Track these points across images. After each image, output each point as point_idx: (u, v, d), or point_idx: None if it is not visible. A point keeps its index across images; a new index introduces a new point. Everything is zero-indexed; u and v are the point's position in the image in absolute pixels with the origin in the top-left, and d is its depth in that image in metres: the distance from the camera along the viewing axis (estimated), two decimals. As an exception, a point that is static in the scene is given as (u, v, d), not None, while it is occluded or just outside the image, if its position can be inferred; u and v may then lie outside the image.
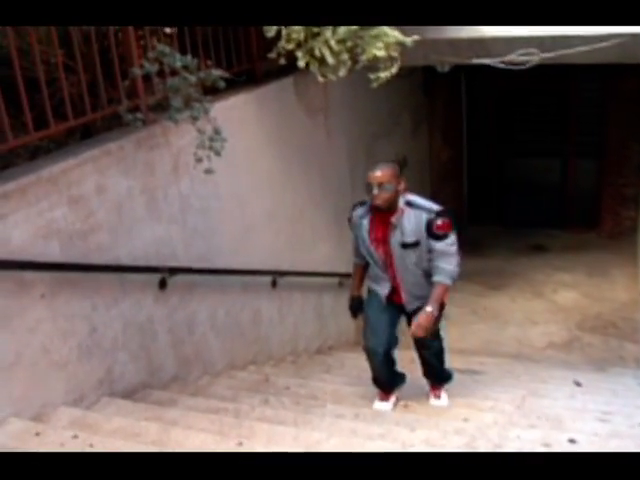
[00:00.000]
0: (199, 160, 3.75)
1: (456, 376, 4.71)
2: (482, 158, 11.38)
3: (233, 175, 4.73)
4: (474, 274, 9.43)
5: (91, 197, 3.65)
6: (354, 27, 4.89)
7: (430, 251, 3.88)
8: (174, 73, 3.82)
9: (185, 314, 4.52)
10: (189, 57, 3.76)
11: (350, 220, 4.16)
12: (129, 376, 4.05)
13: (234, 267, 4.91)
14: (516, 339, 8.30)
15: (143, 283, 4.09)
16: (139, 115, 3.84)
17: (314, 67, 5.02)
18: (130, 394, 4.01)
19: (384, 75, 5.17)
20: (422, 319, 3.84)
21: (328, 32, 4.90)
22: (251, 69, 5.28)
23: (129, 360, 4.04)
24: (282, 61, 4.98)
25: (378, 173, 3.81)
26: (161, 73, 3.90)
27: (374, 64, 5.14)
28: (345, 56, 5.00)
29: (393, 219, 3.88)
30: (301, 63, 4.94)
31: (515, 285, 9.54)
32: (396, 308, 4.19)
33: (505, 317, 8.77)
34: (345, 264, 6.86)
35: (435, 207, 3.88)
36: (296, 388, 4.78)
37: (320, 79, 5.10)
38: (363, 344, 4.28)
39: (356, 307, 4.41)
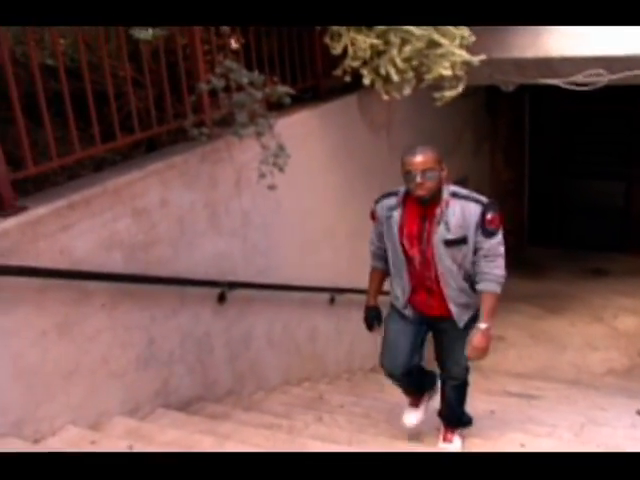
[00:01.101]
0: (262, 176, 3.72)
1: (512, 400, 4.56)
2: (544, 179, 11.15)
3: (294, 191, 4.69)
4: (532, 296, 9.23)
5: (154, 210, 3.65)
6: (420, 46, 4.85)
7: (476, 251, 3.32)
8: (240, 88, 3.80)
9: (242, 329, 4.49)
10: (256, 73, 3.73)
11: (374, 215, 3.56)
12: (184, 388, 4.02)
13: (293, 283, 4.87)
14: (574, 364, 8.06)
15: (202, 296, 4.07)
16: (204, 130, 3.83)
17: (379, 85, 5.00)
18: (185, 406, 3.99)
19: (449, 94, 5.12)
20: (478, 340, 3.31)
21: (394, 50, 4.85)
22: (315, 86, 5.24)
23: (185, 373, 4.02)
24: (347, 78, 4.96)
25: (419, 158, 3.21)
26: (227, 88, 3.88)
27: (439, 83, 5.09)
28: (410, 74, 4.96)
29: (438, 211, 3.28)
30: (366, 81, 4.92)
31: (574, 309, 9.27)
32: (424, 324, 3.60)
33: (563, 341, 8.52)
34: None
35: (484, 198, 3.32)
36: (350, 406, 4.70)
37: (384, 97, 5.06)
38: (379, 361, 3.71)
39: (372, 319, 3.74)
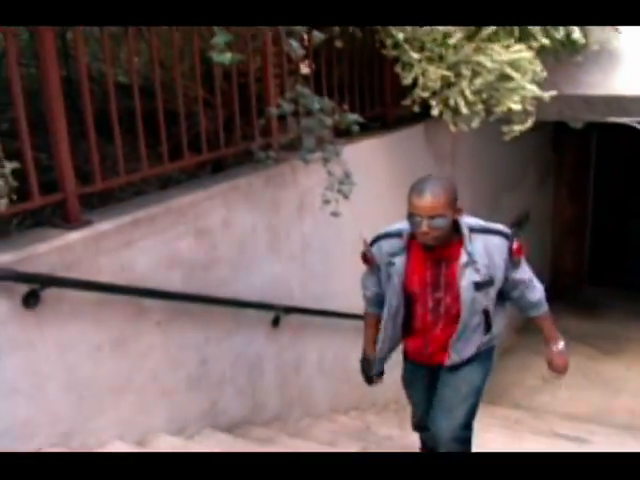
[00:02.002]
0: (327, 202, 3.67)
1: (560, 442, 4.41)
2: (607, 217, 10.87)
3: (356, 219, 4.61)
4: (588, 336, 8.96)
5: (216, 230, 3.63)
6: (491, 79, 4.78)
7: (514, 285, 3.05)
8: (309, 114, 3.76)
9: (294, 354, 4.42)
10: (326, 100, 3.69)
11: (368, 259, 3.13)
12: (232, 410, 3.97)
13: (347, 311, 4.79)
14: (629, 409, 7.76)
15: (257, 319, 4.02)
16: (271, 153, 3.80)
17: (447, 116, 4.94)
18: (231, 428, 3.93)
19: (518, 129, 5.03)
20: (561, 359, 3.18)
21: (464, 82, 4.79)
22: (383, 114, 5.19)
23: (234, 395, 3.97)
24: (416, 108, 4.90)
25: (427, 201, 2.73)
26: (295, 113, 3.85)
27: (508, 117, 5.01)
28: (479, 107, 4.90)
29: (462, 251, 2.89)
30: (435, 112, 4.86)
31: (631, 352, 8.96)
32: (423, 371, 3.32)
33: (618, 385, 8.24)
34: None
35: (503, 228, 3.00)
36: (398, 439, 4.59)
37: (452, 128, 5.00)
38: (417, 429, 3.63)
39: (370, 370, 3.37)
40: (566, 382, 7.89)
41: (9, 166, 2.66)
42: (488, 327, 3.12)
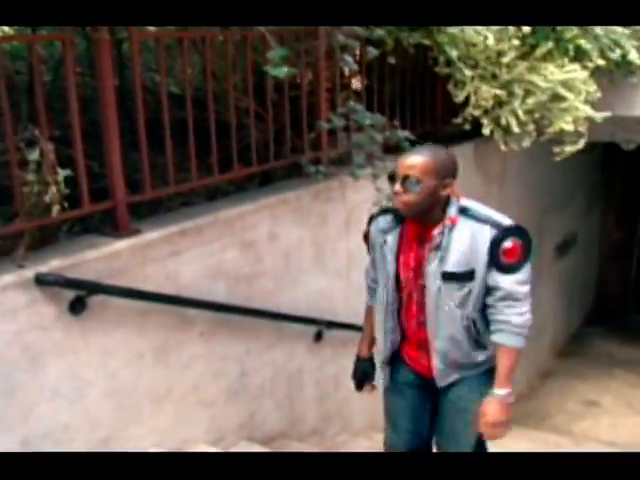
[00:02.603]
0: (374, 219, 3.63)
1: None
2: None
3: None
4: (632, 363, 8.75)
5: (262, 243, 3.60)
6: (544, 98, 4.70)
7: (489, 291, 2.52)
8: (359, 129, 3.72)
9: (334, 369, 4.36)
10: (378, 116, 3.65)
11: (367, 237, 2.78)
12: (270, 423, 3.93)
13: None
14: (672, 439, 7.57)
15: (299, 333, 3.98)
16: (321, 168, 3.77)
17: (498, 135, 4.87)
18: (268, 441, 3.89)
19: (569, 149, 4.94)
20: (493, 411, 2.51)
21: (517, 102, 4.72)
22: (434, 132, 5.12)
23: (273, 408, 3.92)
24: (467, 127, 4.84)
25: (408, 159, 2.45)
26: (346, 128, 3.82)
27: (559, 137, 4.92)
28: (531, 127, 4.83)
29: (435, 233, 2.49)
30: (486, 131, 4.79)
31: (677, 380, 8.76)
32: (427, 386, 2.76)
33: (663, 414, 8.04)
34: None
35: (506, 220, 2.50)
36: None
37: (502, 148, 4.92)
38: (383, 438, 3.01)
39: (362, 374, 2.97)
40: (609, 409, 7.75)
41: (62, 173, 2.66)
42: (479, 341, 2.61)
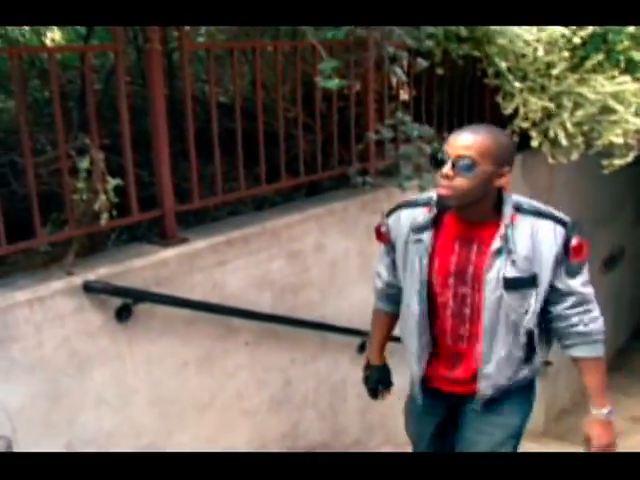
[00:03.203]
0: (420, 230, 3.57)
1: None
2: None
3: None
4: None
5: (309, 253, 3.55)
6: (593, 111, 4.59)
7: (559, 298, 2.22)
8: (407, 140, 3.66)
9: (378, 380, 4.30)
10: (426, 127, 3.58)
11: (382, 234, 2.41)
12: (312, 434, 3.87)
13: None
14: None
15: (343, 344, 3.91)
16: (368, 179, 3.71)
17: (546, 148, 4.77)
18: (310, 451, 3.84)
19: (618, 162, 4.82)
20: (601, 435, 2.27)
21: (565, 114, 4.61)
22: (481, 143, 5.04)
23: (315, 418, 3.86)
24: (515, 139, 4.74)
25: (462, 137, 2.08)
26: (394, 139, 3.76)
27: (608, 150, 4.81)
28: (580, 139, 4.72)
29: (498, 231, 2.14)
30: (534, 143, 4.70)
31: None
32: (443, 406, 2.50)
33: None
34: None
35: (564, 215, 2.20)
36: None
37: (550, 160, 4.82)
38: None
39: (375, 382, 2.71)
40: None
41: (112, 182, 2.65)
42: (530, 355, 2.30)
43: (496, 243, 2.13)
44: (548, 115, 4.70)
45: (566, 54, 4.52)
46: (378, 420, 4.42)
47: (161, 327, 2.93)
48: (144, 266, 2.81)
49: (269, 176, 3.41)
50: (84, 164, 2.62)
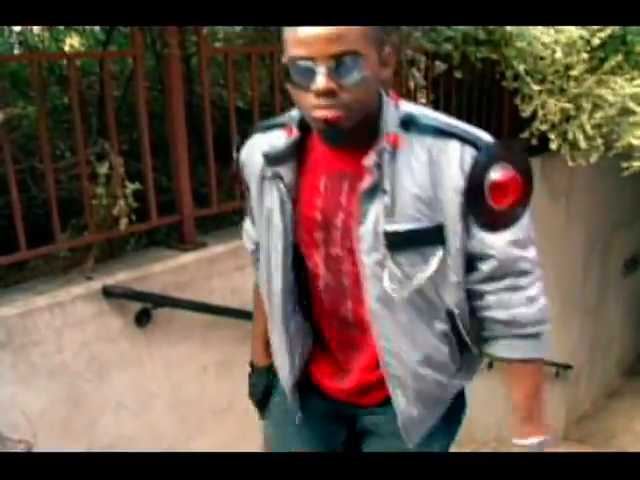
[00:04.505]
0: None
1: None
2: None
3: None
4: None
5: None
6: (612, 113, 4.55)
7: (472, 264, 1.48)
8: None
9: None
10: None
11: (238, 172, 1.65)
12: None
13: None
14: None
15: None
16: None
17: (565, 150, 4.72)
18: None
19: (638, 164, 4.75)
20: None
21: (584, 116, 4.57)
22: (500, 146, 5.01)
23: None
24: (534, 141, 4.71)
25: (327, 27, 1.30)
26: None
27: (628, 152, 4.75)
28: (599, 141, 4.66)
29: (368, 162, 1.40)
30: (553, 145, 4.65)
31: None
32: (336, 420, 1.74)
33: None
34: (566, 355, 6.36)
35: (482, 135, 1.45)
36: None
37: (570, 163, 4.77)
38: None
39: (262, 393, 1.93)
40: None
41: (131, 187, 2.66)
42: (460, 351, 1.56)
43: (367, 179, 1.41)
44: (567, 117, 4.65)
45: (585, 56, 4.47)
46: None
47: (180, 332, 2.93)
48: (163, 271, 2.81)
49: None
50: (103, 169, 2.63)
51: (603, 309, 7.32)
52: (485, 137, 1.45)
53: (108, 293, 2.61)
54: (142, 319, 2.74)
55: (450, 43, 3.75)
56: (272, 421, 1.90)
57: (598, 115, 4.58)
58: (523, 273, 1.50)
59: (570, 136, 4.64)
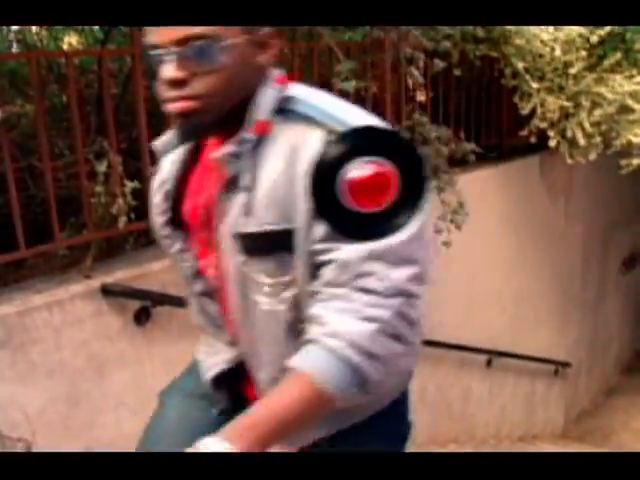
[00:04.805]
0: (439, 231, 3.53)
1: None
2: None
3: (466, 249, 4.44)
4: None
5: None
6: (611, 110, 4.55)
7: (317, 269, 1.20)
8: (424, 141, 3.63)
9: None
10: (444, 128, 3.56)
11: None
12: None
13: (453, 342, 4.60)
14: None
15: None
16: (385, 180, 3.68)
17: (564, 148, 4.71)
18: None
19: (637, 162, 4.75)
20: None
21: (583, 114, 4.56)
22: (499, 144, 5.00)
23: (335, 421, 3.85)
24: (533, 139, 4.70)
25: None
26: (410, 140, 3.73)
27: (627, 150, 4.75)
28: (598, 139, 4.65)
29: (225, 151, 1.23)
30: (552, 143, 4.64)
31: None
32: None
33: None
34: (565, 352, 6.36)
35: (353, 121, 1.19)
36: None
37: (569, 160, 4.77)
38: None
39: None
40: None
41: (130, 185, 2.65)
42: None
43: (223, 174, 1.25)
44: (566, 115, 4.64)
45: (584, 53, 4.47)
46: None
47: (180, 330, 2.91)
48: (162, 269, 2.80)
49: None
50: (102, 168, 2.63)
51: (602, 307, 7.32)
52: (355, 120, 1.20)
53: (107, 291, 2.61)
54: (141, 317, 2.73)
55: (449, 41, 3.74)
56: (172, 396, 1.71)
57: (597, 113, 4.57)
58: (365, 290, 1.16)
59: (569, 134, 4.63)
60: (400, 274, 1.18)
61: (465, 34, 4.10)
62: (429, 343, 4.38)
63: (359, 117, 1.23)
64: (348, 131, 1.16)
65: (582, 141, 4.60)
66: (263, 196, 1.21)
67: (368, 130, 1.19)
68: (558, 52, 4.33)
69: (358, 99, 3.78)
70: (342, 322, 1.15)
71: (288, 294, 1.26)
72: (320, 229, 1.17)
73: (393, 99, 3.91)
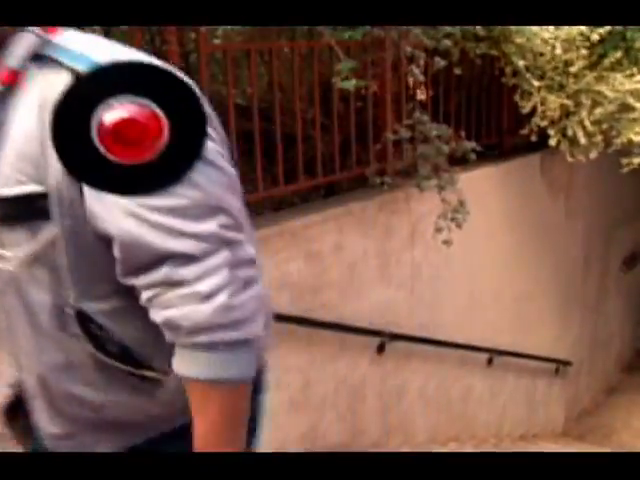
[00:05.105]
0: (439, 230, 3.53)
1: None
2: None
3: (467, 248, 4.45)
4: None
5: (327, 254, 3.53)
6: (612, 109, 4.55)
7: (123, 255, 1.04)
8: (425, 140, 3.64)
9: (397, 381, 4.27)
10: (444, 127, 3.56)
11: None
12: (331, 435, 3.85)
13: (454, 340, 4.61)
14: None
15: (362, 344, 3.89)
16: (387, 179, 3.69)
17: (564, 146, 4.72)
18: (330, 453, 3.82)
19: (638, 161, 4.76)
20: None
21: (584, 112, 4.57)
22: (499, 143, 5.00)
23: (335, 419, 3.84)
24: (533, 138, 4.71)
25: None
26: (411, 139, 3.74)
27: (627, 148, 4.75)
28: (598, 138, 4.66)
29: None
30: (552, 141, 4.65)
31: None
32: None
33: None
34: (565, 351, 6.36)
35: (109, 57, 1.03)
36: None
37: (569, 159, 4.78)
38: None
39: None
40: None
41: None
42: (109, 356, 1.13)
43: None
44: (566, 113, 4.65)
45: (584, 52, 4.47)
46: (397, 422, 4.41)
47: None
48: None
49: (287, 177, 3.39)
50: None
51: (603, 306, 7.32)
52: (111, 55, 1.05)
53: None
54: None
55: (449, 39, 3.74)
56: None
57: (598, 111, 4.58)
58: (185, 259, 1.02)
59: (569, 132, 4.64)
60: (207, 226, 1.04)
61: (466, 33, 4.11)
62: (430, 342, 4.39)
63: (122, 56, 1.07)
64: (97, 69, 0.99)
65: (583, 140, 4.61)
66: (14, 154, 1.05)
67: (117, 63, 1.01)
68: (559, 50, 4.33)
69: (359, 97, 3.79)
70: (179, 311, 1.02)
71: (43, 271, 1.08)
72: (84, 187, 1.02)
73: (393, 98, 3.91)
